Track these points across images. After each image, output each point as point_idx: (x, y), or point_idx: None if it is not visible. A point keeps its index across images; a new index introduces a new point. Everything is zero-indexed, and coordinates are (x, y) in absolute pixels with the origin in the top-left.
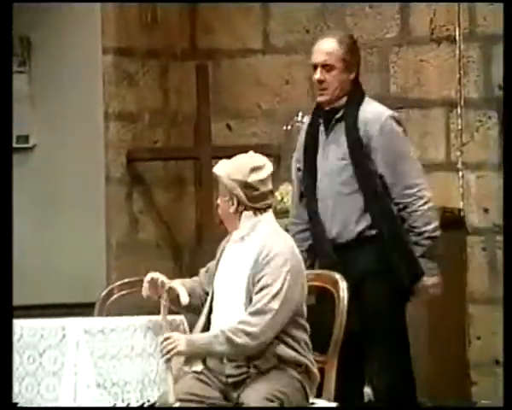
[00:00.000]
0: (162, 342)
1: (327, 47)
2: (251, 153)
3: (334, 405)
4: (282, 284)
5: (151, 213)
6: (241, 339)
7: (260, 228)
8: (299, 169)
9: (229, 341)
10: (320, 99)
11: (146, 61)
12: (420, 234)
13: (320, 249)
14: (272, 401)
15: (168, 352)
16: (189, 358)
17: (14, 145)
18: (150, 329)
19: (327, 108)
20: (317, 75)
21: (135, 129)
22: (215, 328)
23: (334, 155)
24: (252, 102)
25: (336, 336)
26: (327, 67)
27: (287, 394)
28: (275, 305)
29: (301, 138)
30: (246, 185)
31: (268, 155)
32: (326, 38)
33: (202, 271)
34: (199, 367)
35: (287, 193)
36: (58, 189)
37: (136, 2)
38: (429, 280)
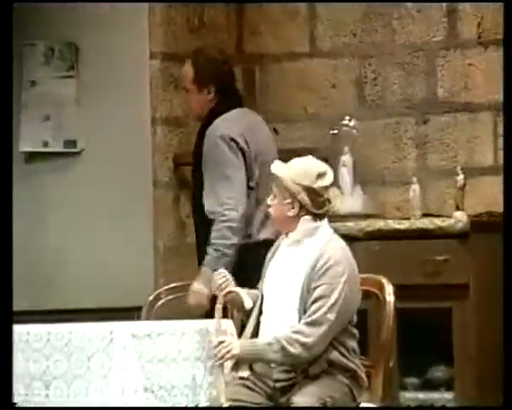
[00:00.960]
0: (216, 346)
1: (184, 70)
2: (310, 157)
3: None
4: (339, 295)
5: None
6: (295, 350)
7: (318, 234)
8: None
9: (283, 350)
10: (194, 117)
11: None
12: (210, 245)
13: None
14: (321, 405)
15: (222, 356)
16: (237, 363)
17: (62, 150)
18: (197, 333)
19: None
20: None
21: (182, 133)
22: (266, 332)
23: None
24: (298, 106)
25: (383, 340)
26: (185, 88)
27: (336, 398)
28: (331, 316)
29: None
30: (311, 191)
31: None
32: (187, 61)
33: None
34: (246, 373)
35: (334, 196)
36: (105, 193)
37: (172, 1)
38: (195, 286)
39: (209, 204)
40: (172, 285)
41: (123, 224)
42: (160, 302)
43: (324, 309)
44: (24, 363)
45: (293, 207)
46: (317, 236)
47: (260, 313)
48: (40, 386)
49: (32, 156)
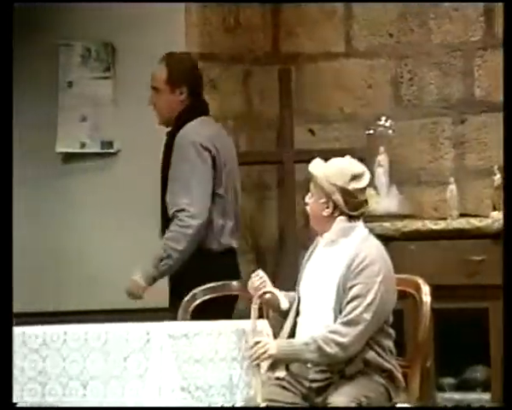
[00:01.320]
0: (253, 346)
1: (156, 72)
2: (348, 158)
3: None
4: (376, 295)
5: None
6: (331, 349)
7: (353, 235)
8: None
9: (319, 350)
10: (157, 120)
11: (229, 65)
12: (163, 244)
13: None
14: (358, 405)
15: (259, 356)
16: (273, 364)
17: (99, 151)
18: (234, 333)
19: (168, 129)
20: (151, 99)
21: None
22: (303, 332)
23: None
24: (334, 107)
25: (419, 341)
26: (155, 90)
27: (372, 399)
28: (367, 316)
29: None
30: (345, 192)
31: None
32: (158, 63)
33: None
34: (282, 373)
35: (370, 197)
36: (141, 194)
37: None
38: (136, 275)
39: (171, 205)
40: (208, 285)
41: (158, 224)
42: (195, 302)
43: (360, 309)
44: (61, 363)
45: (327, 207)
46: (351, 236)
47: (297, 314)
48: (77, 386)
49: (69, 157)
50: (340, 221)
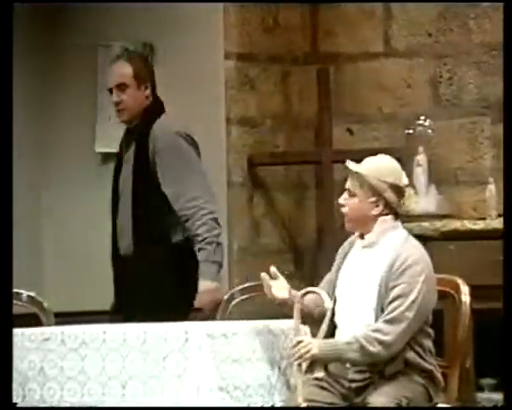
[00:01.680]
0: (295, 346)
1: (120, 69)
2: (384, 156)
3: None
4: (418, 294)
5: (272, 218)
6: (374, 348)
7: (394, 235)
8: None
9: (362, 348)
10: (120, 119)
11: (267, 65)
12: (203, 240)
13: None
14: (397, 405)
15: (301, 356)
16: (312, 364)
17: None
18: (271, 333)
19: (128, 126)
20: (114, 97)
21: (256, 134)
22: (342, 333)
23: (126, 171)
24: (373, 106)
25: (459, 341)
26: (121, 86)
27: (412, 399)
28: (410, 314)
29: None
30: (397, 189)
31: None
32: (119, 62)
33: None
34: (321, 374)
35: (409, 197)
36: None
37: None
38: (203, 285)
39: (184, 201)
40: (247, 285)
41: None
42: (234, 302)
43: (403, 307)
44: (100, 362)
45: (377, 206)
46: (392, 236)
47: (332, 315)
48: (116, 386)
49: (107, 157)
50: (383, 222)
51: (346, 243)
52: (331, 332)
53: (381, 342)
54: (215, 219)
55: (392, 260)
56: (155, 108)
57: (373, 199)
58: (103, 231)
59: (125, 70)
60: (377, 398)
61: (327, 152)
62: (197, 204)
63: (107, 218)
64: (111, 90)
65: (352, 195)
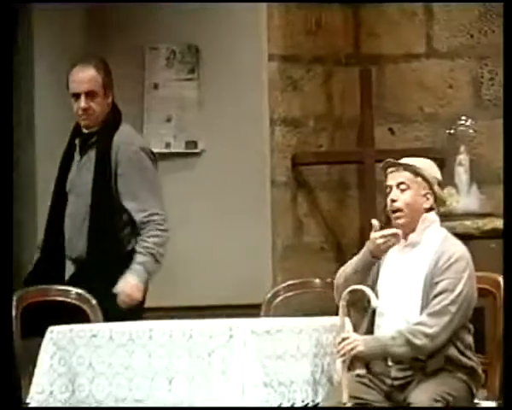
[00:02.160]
0: (340, 342)
1: (87, 75)
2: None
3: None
4: (462, 289)
5: (315, 217)
6: (420, 341)
7: (435, 231)
8: None
9: (408, 342)
10: (84, 124)
11: (310, 66)
12: (147, 247)
13: (53, 263)
14: (440, 403)
15: (346, 352)
16: (353, 362)
17: (184, 150)
18: (315, 330)
19: (85, 131)
20: (82, 104)
21: (300, 134)
22: (385, 330)
23: (83, 176)
24: (415, 106)
25: (500, 338)
26: (90, 93)
27: (454, 395)
28: (453, 308)
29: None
30: (440, 185)
31: (431, 159)
32: (83, 66)
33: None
34: (362, 371)
35: (450, 196)
36: (225, 192)
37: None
38: (129, 277)
39: (141, 210)
40: (290, 283)
41: (241, 222)
42: (278, 299)
43: (447, 301)
44: (147, 359)
45: (427, 199)
46: (434, 233)
47: (374, 313)
48: (163, 381)
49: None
50: (425, 219)
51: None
52: (371, 329)
53: (425, 335)
54: (166, 239)
55: (436, 257)
56: (115, 117)
57: (425, 191)
58: None
59: (95, 77)
60: (419, 396)
61: (369, 152)
62: (155, 219)
63: None
64: (77, 95)
65: (404, 189)
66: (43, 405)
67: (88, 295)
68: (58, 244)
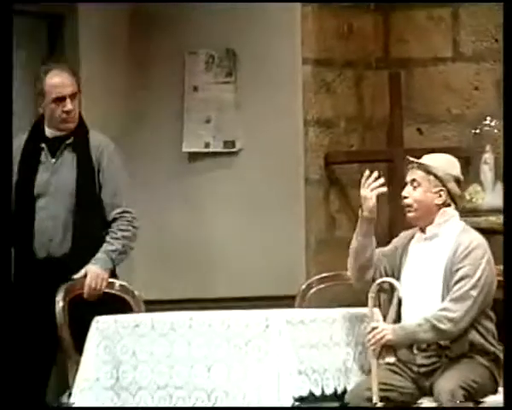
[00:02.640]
0: (370, 332)
1: (67, 78)
2: (448, 155)
3: None
4: (482, 274)
5: (347, 213)
6: (445, 325)
7: (454, 224)
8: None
9: (434, 328)
10: (68, 127)
11: (342, 70)
12: (116, 238)
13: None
14: (465, 389)
15: (376, 341)
16: (383, 350)
17: (222, 150)
18: (347, 320)
19: (57, 134)
20: (69, 106)
21: (332, 134)
22: (409, 320)
23: (64, 179)
24: (442, 108)
25: None
26: (73, 96)
27: (478, 382)
28: (474, 293)
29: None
30: (458, 181)
31: (458, 157)
32: (58, 72)
33: (380, 253)
34: (392, 359)
35: (476, 193)
36: (261, 189)
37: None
38: (92, 267)
39: (114, 206)
40: (323, 275)
41: (277, 218)
42: (312, 291)
43: (468, 286)
44: (186, 347)
45: (440, 196)
46: (452, 226)
47: (399, 303)
48: (202, 369)
49: (194, 156)
50: (443, 213)
51: (401, 236)
52: (398, 319)
53: (450, 320)
54: (135, 235)
55: (455, 246)
56: (83, 119)
57: (437, 189)
58: (191, 223)
59: (74, 80)
60: (445, 384)
61: (398, 151)
62: (126, 216)
63: (194, 211)
64: (61, 99)
65: (416, 186)
66: (90, 391)
67: (131, 287)
68: (29, 247)
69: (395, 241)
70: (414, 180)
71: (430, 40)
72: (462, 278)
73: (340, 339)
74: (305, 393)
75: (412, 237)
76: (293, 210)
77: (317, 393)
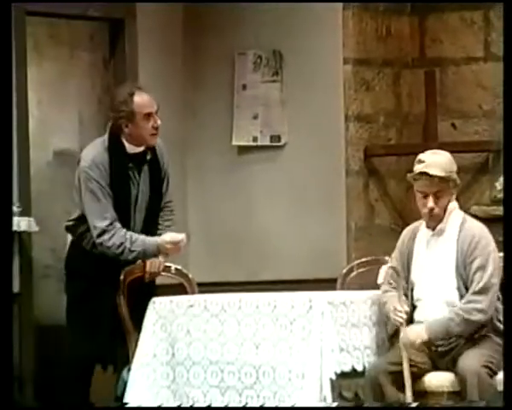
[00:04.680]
0: (393, 313)
1: (150, 97)
2: (439, 150)
3: None
4: (494, 261)
5: (385, 202)
6: (475, 316)
7: (456, 214)
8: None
9: (465, 320)
10: (155, 141)
11: (381, 69)
12: (162, 222)
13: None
14: (488, 367)
15: (412, 343)
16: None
17: (269, 144)
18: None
19: (138, 150)
20: (159, 121)
21: (371, 129)
22: (427, 314)
23: (145, 195)
24: (474, 104)
25: None
26: (156, 112)
27: (497, 359)
28: (495, 280)
29: (104, 168)
30: (457, 172)
31: (488, 151)
32: (141, 91)
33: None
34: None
35: (501, 184)
36: (305, 180)
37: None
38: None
39: (169, 208)
40: (363, 260)
41: (320, 207)
42: (352, 274)
43: (487, 277)
44: (236, 326)
45: (452, 194)
46: (455, 217)
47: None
48: (251, 346)
49: (243, 149)
50: (451, 206)
51: (409, 229)
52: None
53: (479, 311)
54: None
55: (461, 240)
56: None
57: (454, 190)
58: (239, 212)
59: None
60: (469, 362)
61: (433, 144)
62: (171, 206)
63: (242, 201)
64: (149, 114)
65: (438, 196)
66: (148, 366)
67: (185, 271)
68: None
69: (398, 247)
70: (437, 192)
71: (463, 41)
72: (478, 269)
73: (379, 319)
74: (347, 368)
75: (415, 231)
76: (335, 200)
77: (359, 369)
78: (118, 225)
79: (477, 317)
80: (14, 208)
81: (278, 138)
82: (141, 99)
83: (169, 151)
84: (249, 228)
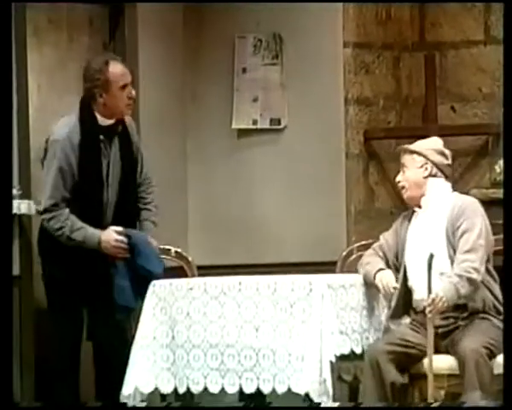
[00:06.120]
0: (430, 304)
1: (126, 67)
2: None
3: None
4: (481, 225)
5: (385, 185)
6: (473, 275)
7: (446, 193)
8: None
9: (468, 280)
10: (129, 113)
11: (381, 52)
12: (142, 198)
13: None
14: (488, 349)
15: (437, 310)
16: (394, 315)
17: (268, 127)
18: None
19: (109, 122)
20: (133, 91)
21: (371, 112)
22: (420, 287)
23: (116, 168)
24: (474, 87)
25: None
26: (131, 83)
27: (497, 340)
28: (482, 241)
29: (74, 143)
30: (441, 153)
31: (487, 134)
32: (116, 61)
33: (380, 246)
34: (407, 320)
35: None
36: (305, 164)
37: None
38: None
39: (142, 172)
40: (363, 243)
41: (319, 190)
42: (352, 257)
43: (474, 237)
44: (236, 309)
45: (426, 169)
46: (445, 195)
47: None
48: (251, 329)
49: (242, 132)
50: (434, 183)
51: (402, 215)
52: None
53: (474, 269)
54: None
55: (450, 209)
56: None
57: (421, 163)
58: (239, 196)
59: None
60: (469, 344)
61: (433, 127)
62: (150, 179)
63: (242, 184)
64: (124, 86)
65: (405, 170)
66: (148, 348)
67: (185, 254)
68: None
69: (395, 224)
70: (402, 165)
71: (462, 24)
72: (465, 232)
73: (378, 302)
74: (346, 351)
75: (411, 215)
76: (335, 183)
77: (358, 351)
78: (64, 208)
79: (474, 275)
80: (15, 191)
81: (278, 121)
82: (116, 69)
83: (169, 134)
84: (249, 211)
